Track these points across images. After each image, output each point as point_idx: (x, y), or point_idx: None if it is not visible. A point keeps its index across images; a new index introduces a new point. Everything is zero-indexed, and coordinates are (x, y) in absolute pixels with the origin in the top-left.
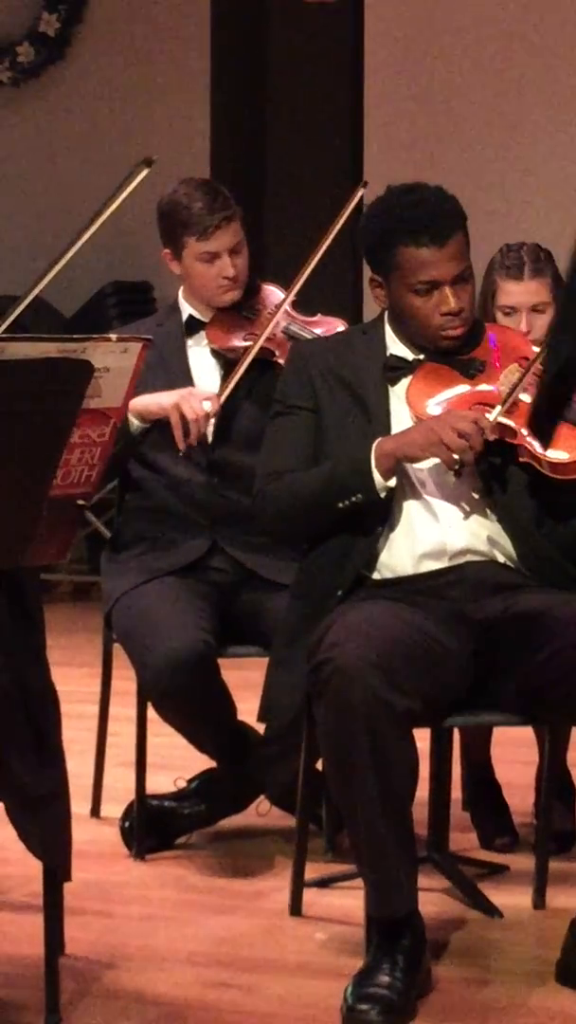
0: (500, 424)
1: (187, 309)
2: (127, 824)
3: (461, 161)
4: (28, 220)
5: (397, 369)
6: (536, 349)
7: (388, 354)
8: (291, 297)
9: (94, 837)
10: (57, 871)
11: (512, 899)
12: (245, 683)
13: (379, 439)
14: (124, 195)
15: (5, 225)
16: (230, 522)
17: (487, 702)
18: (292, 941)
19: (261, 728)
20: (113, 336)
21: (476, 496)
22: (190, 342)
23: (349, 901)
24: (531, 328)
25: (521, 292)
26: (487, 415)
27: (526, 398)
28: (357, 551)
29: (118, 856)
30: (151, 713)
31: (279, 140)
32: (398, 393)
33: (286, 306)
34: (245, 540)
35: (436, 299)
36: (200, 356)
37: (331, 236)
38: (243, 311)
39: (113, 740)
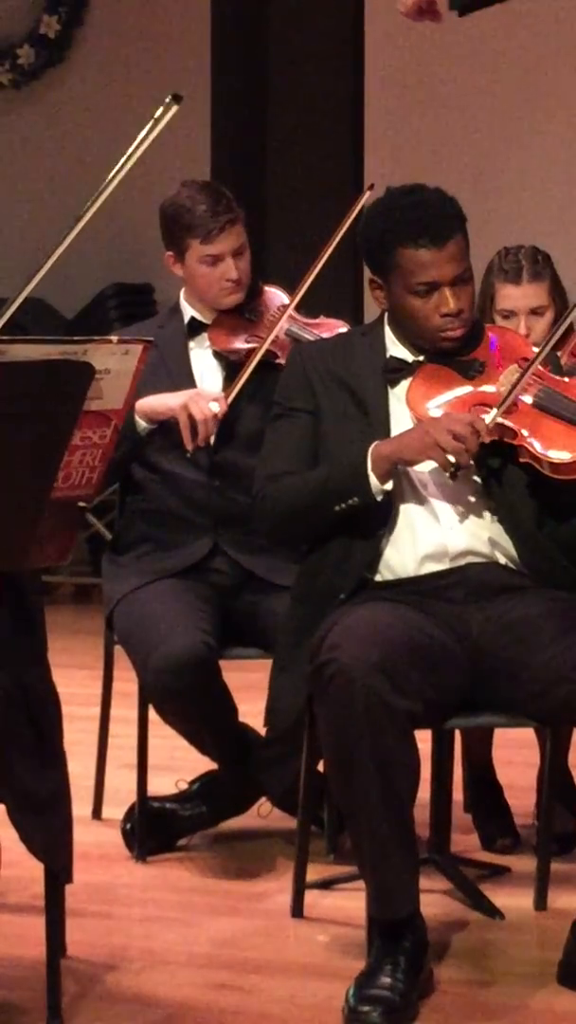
0: (500, 425)
1: (189, 311)
2: (128, 826)
3: (461, 163)
4: (28, 221)
5: (397, 371)
6: (536, 350)
7: (388, 356)
8: (296, 301)
9: (95, 839)
10: (58, 873)
11: (514, 900)
12: (246, 685)
13: (376, 442)
14: (154, 134)
15: (5, 226)
16: (231, 524)
17: (488, 704)
18: (294, 943)
19: (262, 730)
20: (114, 338)
21: (477, 497)
22: (192, 344)
23: (351, 903)
24: (530, 331)
25: (520, 296)
26: (484, 417)
27: (526, 399)
28: (359, 553)
29: (119, 858)
30: (152, 715)
31: (280, 142)
32: (398, 395)
33: (290, 309)
34: (246, 542)
35: (436, 300)
36: (202, 358)
37: (336, 240)
38: (245, 313)
39: (114, 742)
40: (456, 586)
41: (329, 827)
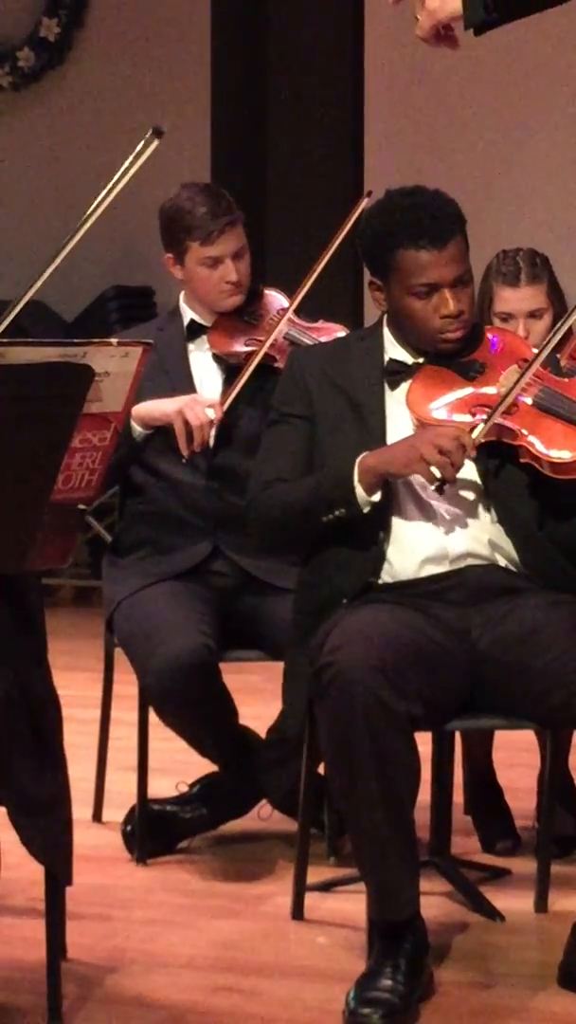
0: (500, 425)
1: (189, 314)
2: (129, 828)
3: (460, 165)
4: (29, 224)
5: (397, 373)
6: (535, 351)
7: (388, 358)
8: (295, 305)
9: (96, 841)
10: (59, 875)
11: (514, 903)
12: (246, 687)
13: (363, 454)
14: (135, 167)
15: (6, 229)
16: (231, 526)
17: (489, 706)
18: (294, 945)
19: (262, 732)
20: (114, 340)
21: (477, 499)
22: (192, 347)
23: (351, 905)
24: (528, 333)
25: (518, 299)
26: (473, 432)
27: (526, 399)
28: (361, 559)
29: (120, 860)
30: (153, 717)
31: (280, 144)
32: (398, 397)
33: (290, 312)
34: (246, 544)
35: (435, 302)
36: (202, 361)
37: (334, 246)
38: (245, 316)
39: (115, 744)
40: (456, 588)
41: (329, 829)
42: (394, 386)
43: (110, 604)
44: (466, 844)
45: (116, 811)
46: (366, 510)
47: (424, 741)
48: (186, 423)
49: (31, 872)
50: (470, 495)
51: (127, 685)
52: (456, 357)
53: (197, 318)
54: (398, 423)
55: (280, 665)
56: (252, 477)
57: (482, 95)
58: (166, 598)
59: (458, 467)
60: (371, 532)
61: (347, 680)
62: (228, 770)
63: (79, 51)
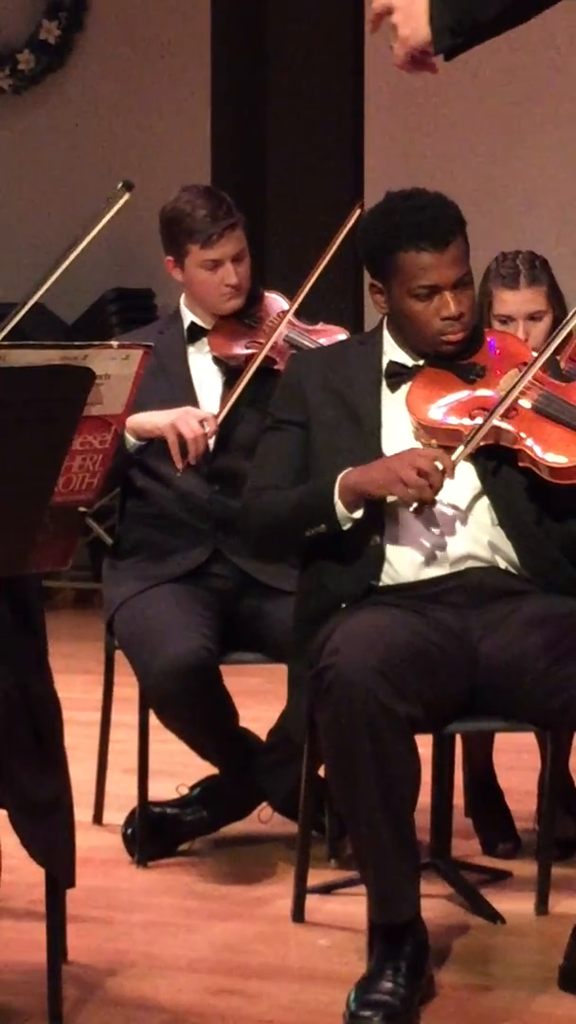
0: (499, 429)
1: (189, 316)
2: (129, 831)
3: (460, 168)
4: (29, 226)
5: (397, 375)
6: (535, 354)
7: (388, 360)
8: (295, 307)
9: (96, 844)
10: (59, 878)
11: (515, 905)
12: (246, 689)
13: (346, 471)
14: (106, 220)
15: (5, 231)
16: (232, 529)
17: (489, 708)
18: (295, 948)
19: (263, 734)
20: (114, 343)
21: (477, 502)
22: (192, 349)
23: (352, 907)
24: (528, 336)
25: (517, 301)
26: (453, 454)
27: (525, 403)
28: (361, 564)
29: (120, 863)
30: (153, 720)
31: (280, 146)
32: (398, 399)
33: (289, 315)
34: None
35: (436, 304)
36: (202, 364)
37: (329, 255)
38: (245, 319)
39: (115, 747)
40: (457, 591)
41: (330, 832)
42: (394, 388)
43: (110, 606)
44: (466, 846)
45: (116, 814)
46: (346, 527)
47: (424, 743)
48: (180, 436)
49: (32, 875)
50: (470, 498)
51: (127, 687)
52: (456, 359)
53: (197, 321)
54: (396, 427)
55: (281, 668)
56: (246, 483)
57: (482, 97)
58: (166, 600)
59: (436, 489)
60: (367, 536)
61: (347, 682)
62: (228, 773)
63: (79, 54)
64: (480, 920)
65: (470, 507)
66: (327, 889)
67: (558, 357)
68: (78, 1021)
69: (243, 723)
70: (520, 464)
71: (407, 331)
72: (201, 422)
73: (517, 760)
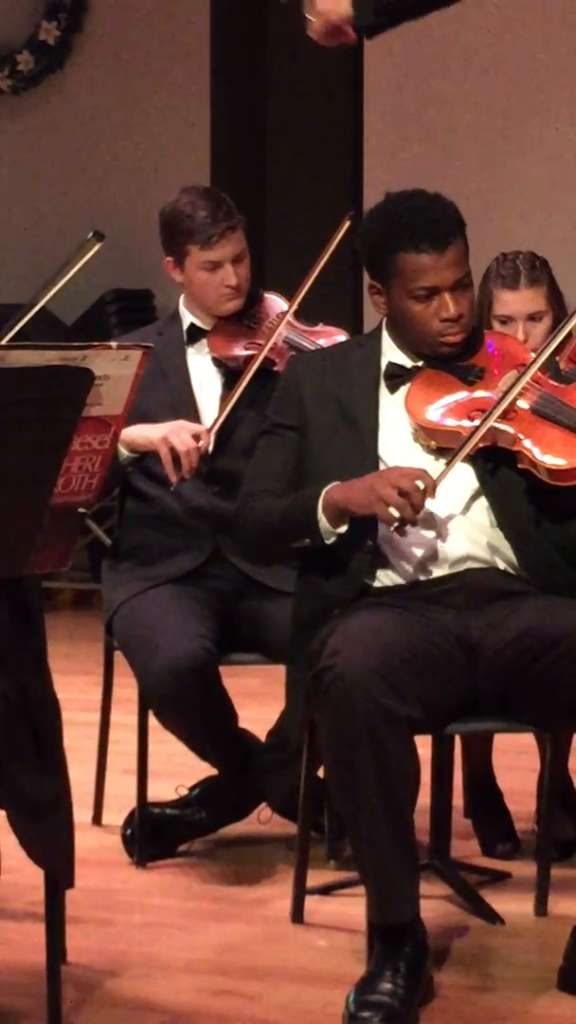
0: (497, 431)
1: (188, 317)
2: (129, 832)
3: (459, 169)
4: (28, 228)
5: (396, 376)
6: (534, 356)
7: (387, 362)
8: (293, 308)
9: (96, 845)
10: (59, 879)
11: (514, 906)
12: (246, 690)
13: (330, 485)
14: (76, 268)
15: (5, 232)
16: (230, 530)
17: (488, 709)
18: (294, 948)
19: (262, 735)
20: (114, 344)
21: (476, 503)
22: (191, 350)
23: (351, 908)
24: (528, 337)
25: (517, 301)
26: (435, 473)
27: (524, 405)
28: (355, 567)
29: (120, 864)
30: (152, 720)
31: (279, 148)
32: (397, 400)
33: (288, 316)
34: None
35: (435, 305)
36: (201, 364)
37: (320, 265)
38: (245, 320)
39: (114, 747)
40: (456, 591)
41: (329, 833)
42: (393, 390)
43: (110, 607)
44: (466, 847)
45: (116, 815)
46: (330, 541)
47: (424, 744)
48: (172, 450)
49: (31, 875)
50: (469, 499)
51: (127, 688)
52: (455, 361)
53: (197, 322)
54: (394, 428)
55: (280, 668)
56: (241, 487)
57: (481, 98)
58: (166, 601)
59: (417, 509)
60: (361, 540)
61: (346, 684)
62: (228, 773)
63: (78, 55)
64: (479, 921)
65: (469, 508)
66: (326, 890)
67: (557, 358)
68: (77, 1022)
69: (242, 724)
70: (519, 466)
71: (406, 332)
72: (194, 436)
73: (516, 761)
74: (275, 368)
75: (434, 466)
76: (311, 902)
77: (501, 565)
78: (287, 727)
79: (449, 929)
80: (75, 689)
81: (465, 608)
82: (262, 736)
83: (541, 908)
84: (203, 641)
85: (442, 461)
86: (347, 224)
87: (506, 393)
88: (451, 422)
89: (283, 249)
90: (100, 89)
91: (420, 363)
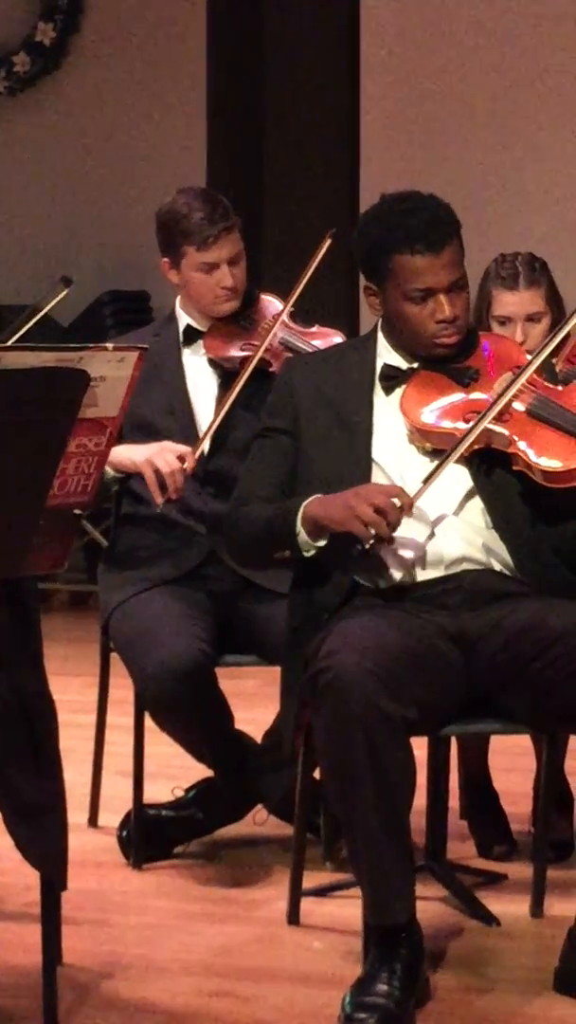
0: (491, 432)
1: (184, 318)
2: (124, 833)
3: (457, 170)
4: (25, 229)
5: (391, 378)
6: (529, 357)
7: (382, 363)
8: (287, 310)
9: (91, 846)
10: (54, 880)
11: (510, 907)
12: (242, 692)
13: (310, 499)
14: (43, 312)
15: (2, 234)
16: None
17: (484, 710)
18: (290, 950)
19: (258, 736)
20: (110, 345)
21: (471, 505)
22: (187, 351)
23: (347, 910)
24: (526, 337)
25: (516, 302)
26: (413, 491)
27: (519, 407)
28: (346, 576)
29: (116, 865)
30: (148, 722)
31: (276, 148)
32: (392, 402)
33: (283, 317)
34: None
35: (431, 307)
36: (197, 366)
37: (301, 286)
38: (241, 321)
39: (110, 749)
40: (452, 593)
41: (325, 834)
42: (388, 391)
43: (106, 609)
44: (462, 849)
45: (112, 816)
46: (309, 554)
47: (420, 746)
48: (157, 471)
49: (26, 877)
50: (464, 500)
51: (123, 690)
52: (451, 362)
53: (193, 323)
54: (389, 430)
55: (276, 670)
56: (234, 491)
57: (479, 99)
58: (162, 603)
59: (394, 527)
60: (350, 546)
61: (342, 685)
62: (224, 775)
63: (75, 56)
64: (475, 922)
65: (464, 509)
66: (322, 891)
67: (554, 360)
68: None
69: (238, 725)
70: (514, 468)
71: (401, 334)
72: (179, 457)
73: (512, 762)
74: (271, 369)
75: (428, 468)
76: (307, 903)
77: (497, 566)
78: (282, 732)
79: (445, 931)
80: (71, 691)
81: (461, 609)
82: (258, 737)
83: (537, 910)
84: (199, 643)
85: (436, 463)
86: (328, 243)
87: (500, 395)
88: (446, 424)
89: (279, 250)
90: (96, 91)
91: (415, 365)
